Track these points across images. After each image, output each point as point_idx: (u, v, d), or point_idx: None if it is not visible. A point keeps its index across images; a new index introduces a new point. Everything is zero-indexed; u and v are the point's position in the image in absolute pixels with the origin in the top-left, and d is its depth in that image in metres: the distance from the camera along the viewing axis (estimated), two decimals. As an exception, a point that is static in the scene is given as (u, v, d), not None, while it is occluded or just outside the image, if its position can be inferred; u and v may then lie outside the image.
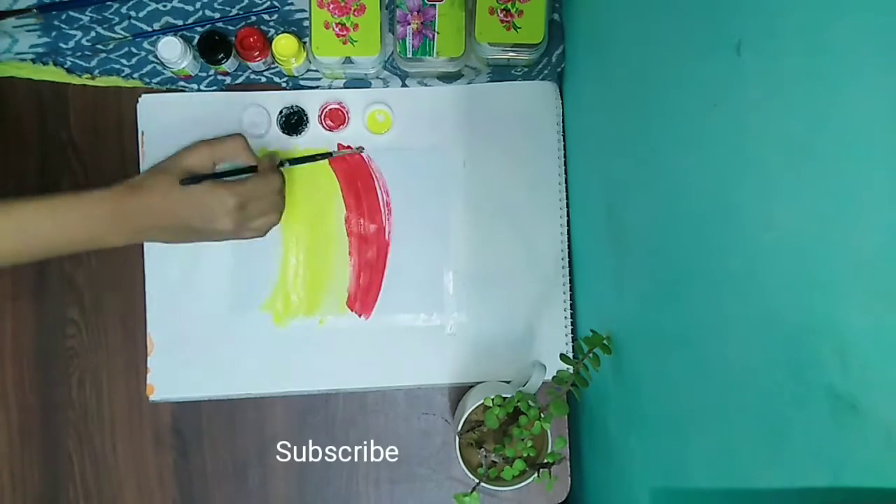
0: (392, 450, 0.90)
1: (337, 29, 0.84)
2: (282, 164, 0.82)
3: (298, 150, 0.88)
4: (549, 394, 0.74)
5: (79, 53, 0.87)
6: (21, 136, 0.87)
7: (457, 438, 0.81)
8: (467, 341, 0.90)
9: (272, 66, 0.89)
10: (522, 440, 0.77)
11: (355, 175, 0.90)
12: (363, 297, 0.90)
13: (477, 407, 0.80)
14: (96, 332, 0.88)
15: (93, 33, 0.86)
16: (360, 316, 0.90)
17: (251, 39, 0.84)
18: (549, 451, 0.80)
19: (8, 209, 0.67)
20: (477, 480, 0.77)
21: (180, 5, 0.88)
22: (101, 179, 0.87)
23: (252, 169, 0.78)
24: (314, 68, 0.88)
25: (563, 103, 0.91)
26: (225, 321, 0.88)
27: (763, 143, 0.45)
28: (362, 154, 0.89)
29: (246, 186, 0.74)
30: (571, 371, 0.75)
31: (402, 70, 0.89)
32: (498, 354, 0.90)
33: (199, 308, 0.88)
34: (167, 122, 0.88)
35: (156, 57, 0.85)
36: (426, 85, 0.90)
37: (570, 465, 0.91)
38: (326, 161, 0.89)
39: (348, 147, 0.89)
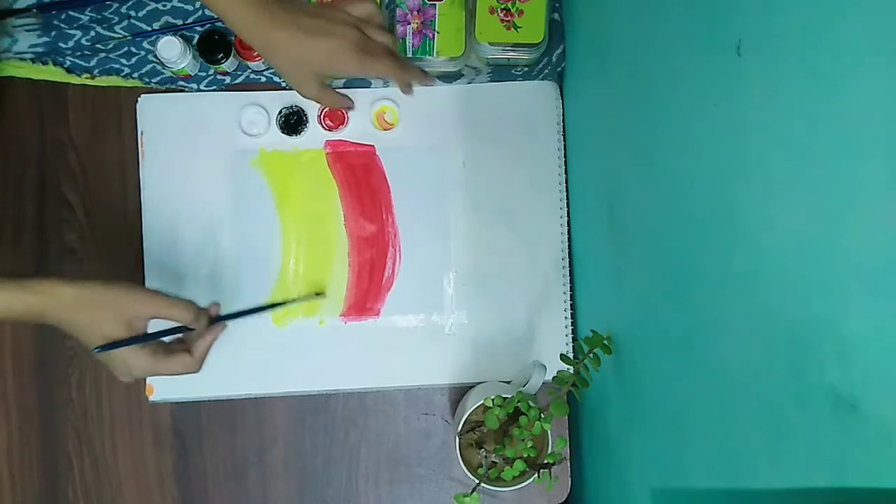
0: (392, 450, 0.90)
1: (337, 29, 0.84)
2: (222, 318, 0.77)
3: (292, 156, 0.89)
4: (550, 394, 0.74)
5: (78, 53, 0.87)
6: (20, 136, 0.87)
7: (457, 439, 0.80)
8: (467, 341, 0.90)
9: (272, 65, 0.89)
10: (523, 440, 0.77)
11: (358, 174, 0.90)
12: (363, 298, 0.90)
13: (477, 407, 0.80)
14: (96, 333, 0.88)
15: (92, 33, 0.86)
16: (360, 316, 0.90)
17: (251, 39, 0.84)
18: (550, 451, 0.80)
19: None
20: (477, 481, 0.77)
21: (180, 5, 0.88)
22: (101, 179, 0.88)
23: (187, 329, 0.73)
24: (314, 68, 0.88)
25: (563, 103, 0.91)
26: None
27: (763, 143, 0.45)
28: (374, 153, 0.89)
29: (158, 364, 0.70)
30: (572, 371, 0.75)
31: (401, 70, 0.89)
32: (498, 355, 0.90)
33: (199, 308, 0.88)
34: (167, 122, 0.88)
35: (155, 56, 0.85)
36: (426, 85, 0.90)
37: (570, 466, 0.91)
38: (326, 162, 0.89)
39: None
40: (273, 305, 0.86)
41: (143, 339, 0.70)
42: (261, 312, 0.85)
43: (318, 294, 0.88)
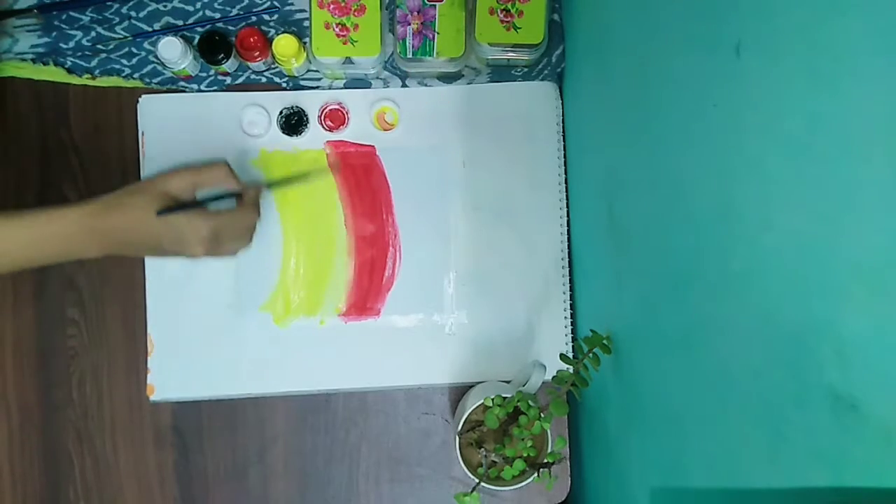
0: (392, 449, 0.90)
1: (337, 29, 0.84)
2: (268, 185, 0.83)
3: (292, 156, 0.89)
4: (549, 393, 0.75)
5: (79, 53, 0.87)
6: (22, 137, 0.87)
7: (457, 438, 0.81)
8: (467, 341, 0.90)
9: (272, 66, 0.89)
10: (522, 440, 0.77)
11: (359, 174, 0.90)
12: (363, 298, 0.90)
13: (477, 407, 0.80)
14: (97, 332, 0.88)
15: (93, 33, 0.86)
16: (360, 316, 0.90)
17: (251, 40, 0.84)
18: (549, 450, 0.80)
19: None
20: (477, 480, 0.77)
21: (180, 5, 0.88)
22: (102, 180, 0.88)
23: (235, 194, 0.76)
24: (314, 68, 0.88)
25: (562, 103, 0.91)
26: (225, 321, 0.88)
27: (763, 143, 0.45)
28: (374, 153, 0.90)
29: (221, 219, 0.73)
30: (571, 371, 0.75)
31: (402, 70, 0.89)
32: (498, 354, 0.90)
33: (199, 308, 0.88)
34: (167, 123, 0.88)
35: (156, 57, 0.85)
36: (426, 85, 0.90)
37: (569, 465, 0.91)
38: (326, 162, 0.89)
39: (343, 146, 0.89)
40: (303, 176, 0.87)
41: (196, 203, 0.74)
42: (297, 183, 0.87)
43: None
